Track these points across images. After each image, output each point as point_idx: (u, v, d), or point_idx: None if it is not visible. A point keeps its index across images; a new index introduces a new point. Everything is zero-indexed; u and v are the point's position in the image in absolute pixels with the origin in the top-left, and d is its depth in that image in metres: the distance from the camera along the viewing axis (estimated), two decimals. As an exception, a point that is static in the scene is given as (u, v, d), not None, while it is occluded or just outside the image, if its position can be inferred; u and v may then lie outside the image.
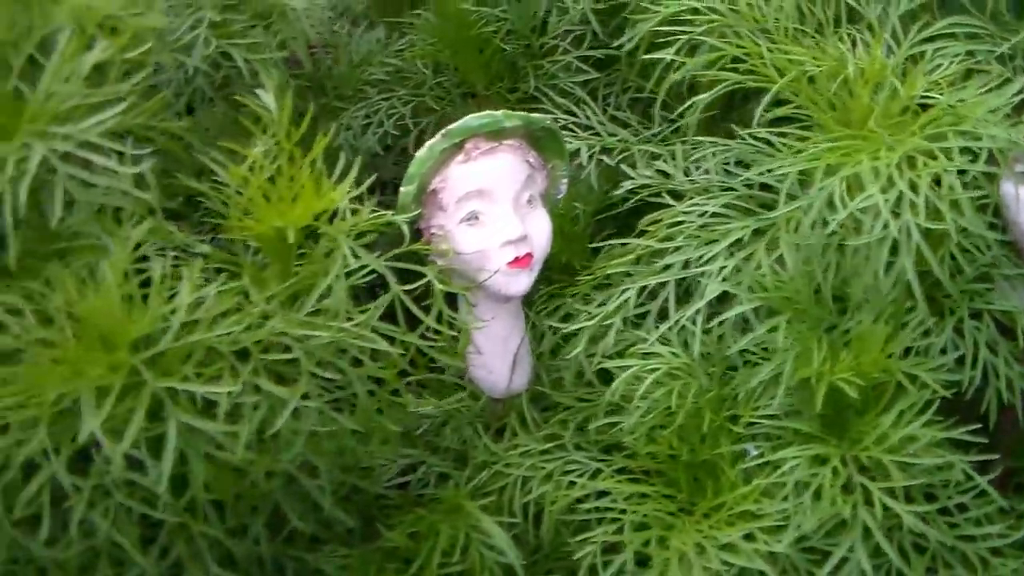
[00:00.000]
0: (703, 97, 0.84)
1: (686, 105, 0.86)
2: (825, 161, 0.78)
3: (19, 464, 0.72)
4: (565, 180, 0.94)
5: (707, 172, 0.92)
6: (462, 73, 1.08)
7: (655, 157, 0.97)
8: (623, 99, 1.06)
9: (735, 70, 0.85)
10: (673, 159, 0.95)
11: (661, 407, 0.81)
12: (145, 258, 0.81)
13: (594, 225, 1.03)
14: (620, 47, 1.04)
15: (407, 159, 1.13)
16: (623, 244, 0.91)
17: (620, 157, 0.97)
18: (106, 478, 0.73)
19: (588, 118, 1.02)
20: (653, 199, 0.95)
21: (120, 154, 0.74)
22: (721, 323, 0.82)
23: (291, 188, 0.81)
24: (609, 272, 0.88)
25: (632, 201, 0.96)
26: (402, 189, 0.87)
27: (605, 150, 0.98)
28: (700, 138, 0.94)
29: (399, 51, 1.11)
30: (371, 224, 0.83)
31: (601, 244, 0.93)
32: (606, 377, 0.91)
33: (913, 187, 0.74)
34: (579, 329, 0.88)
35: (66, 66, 0.80)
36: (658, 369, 0.82)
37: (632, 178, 0.94)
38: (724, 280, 0.83)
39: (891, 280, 0.74)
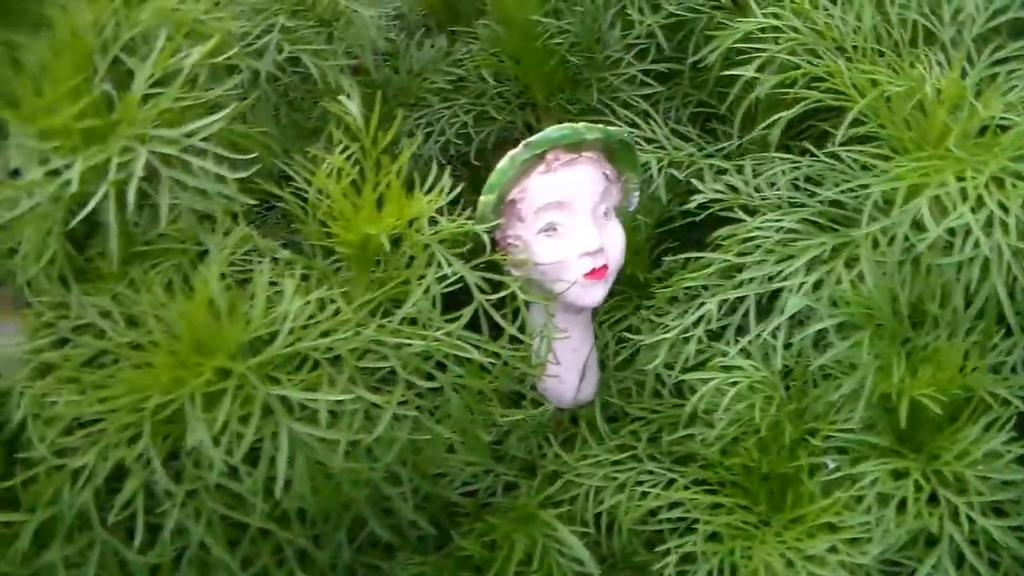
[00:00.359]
0: (787, 114, 0.86)
1: (769, 121, 0.87)
2: (908, 181, 0.80)
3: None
4: (637, 193, 0.95)
5: (777, 187, 0.93)
6: (523, 83, 1.09)
7: (721, 171, 0.98)
8: (683, 113, 1.07)
9: (815, 88, 0.86)
10: (739, 173, 0.96)
11: (744, 420, 0.82)
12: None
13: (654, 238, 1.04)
14: (683, 61, 1.06)
15: (456, 167, 1.14)
16: (697, 257, 0.92)
17: (688, 171, 0.97)
18: (198, 483, 0.73)
19: (653, 132, 1.03)
20: (717, 213, 0.97)
21: (220, 158, 0.74)
22: (802, 338, 0.83)
23: (376, 195, 0.82)
24: (687, 285, 0.88)
25: (701, 215, 0.97)
26: (482, 198, 0.88)
27: (673, 163, 0.99)
28: (769, 154, 0.95)
29: (459, 60, 1.11)
30: (452, 233, 0.84)
31: (678, 257, 0.94)
32: (677, 388, 0.92)
33: (1003, 207, 0.75)
34: (646, 340, 0.89)
35: (158, 69, 0.80)
36: (740, 382, 0.83)
37: (701, 192, 0.95)
38: (805, 295, 0.83)
39: (981, 298, 0.76)
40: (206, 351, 0.71)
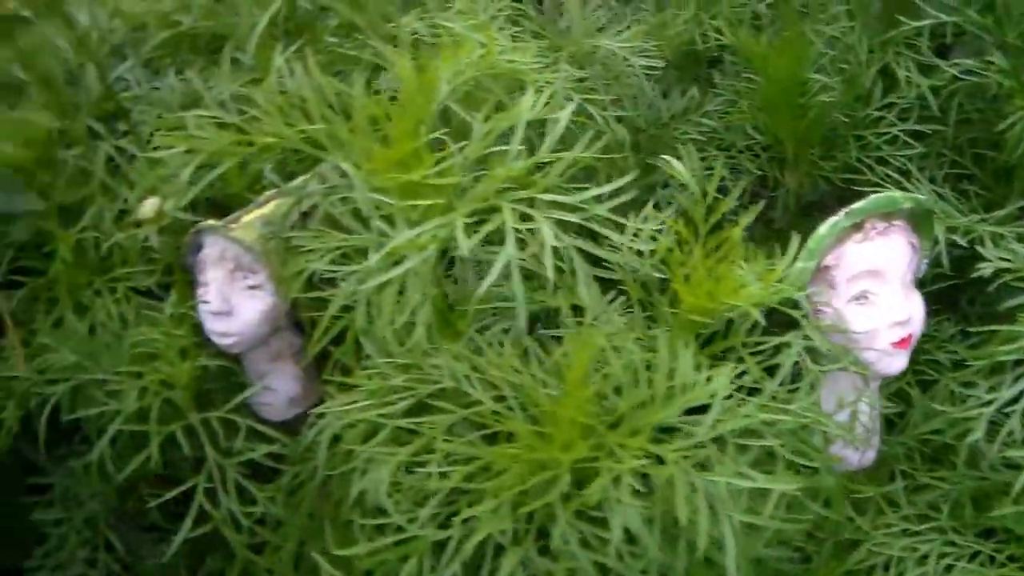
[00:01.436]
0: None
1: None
2: None
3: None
4: (926, 261, 0.94)
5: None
6: (774, 137, 1.08)
7: (999, 236, 0.97)
8: (938, 173, 1.07)
9: None
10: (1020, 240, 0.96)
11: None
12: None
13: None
14: (943, 120, 1.06)
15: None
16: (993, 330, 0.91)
17: (969, 237, 0.97)
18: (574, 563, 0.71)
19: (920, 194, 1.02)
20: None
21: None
22: None
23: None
24: (1000, 359, 0.88)
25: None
26: (800, 264, 0.86)
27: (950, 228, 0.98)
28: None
29: (708, 112, 1.10)
30: (776, 299, 0.83)
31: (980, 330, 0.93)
32: (971, 459, 0.92)
33: None
34: (967, 413, 0.88)
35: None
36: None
37: (987, 259, 0.94)
38: None
39: None
40: (616, 429, 0.69)
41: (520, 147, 0.76)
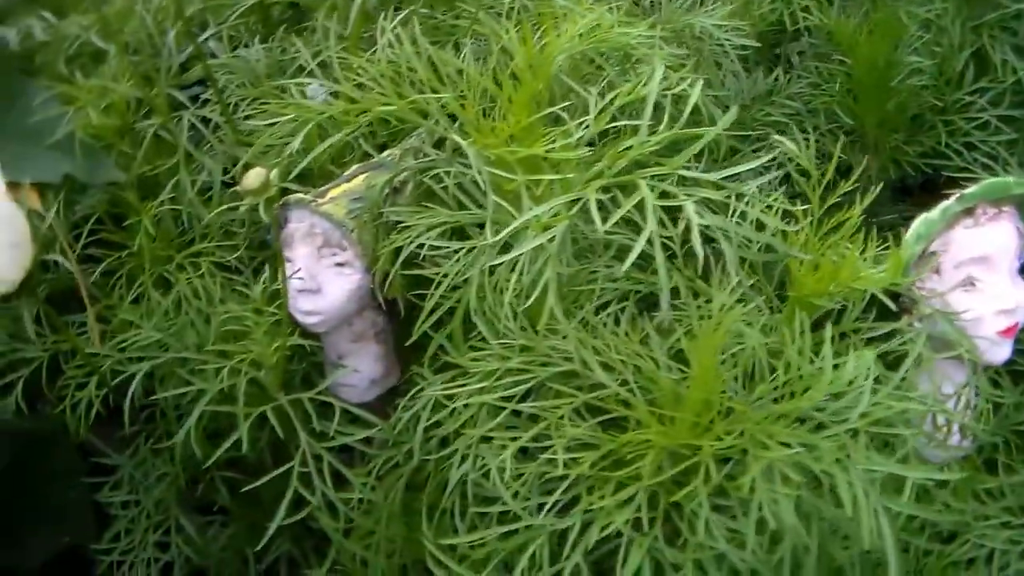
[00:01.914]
0: None
1: None
2: None
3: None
4: (1025, 249, 0.92)
5: None
6: (860, 121, 1.06)
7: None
8: (1024, 159, 1.05)
9: None
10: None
11: None
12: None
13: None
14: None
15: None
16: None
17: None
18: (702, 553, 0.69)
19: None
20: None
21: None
22: None
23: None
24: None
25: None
26: (909, 250, 0.85)
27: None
28: None
29: (791, 93, 1.08)
30: (877, 284, 0.81)
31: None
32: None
33: None
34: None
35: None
36: None
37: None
38: None
39: None
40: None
41: (643, 124, 0.73)
